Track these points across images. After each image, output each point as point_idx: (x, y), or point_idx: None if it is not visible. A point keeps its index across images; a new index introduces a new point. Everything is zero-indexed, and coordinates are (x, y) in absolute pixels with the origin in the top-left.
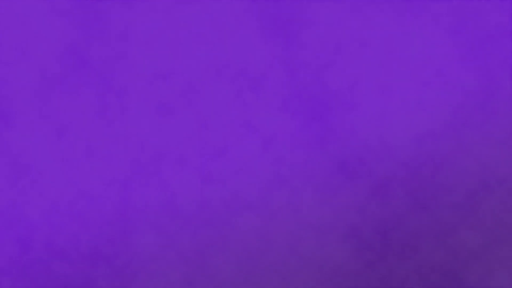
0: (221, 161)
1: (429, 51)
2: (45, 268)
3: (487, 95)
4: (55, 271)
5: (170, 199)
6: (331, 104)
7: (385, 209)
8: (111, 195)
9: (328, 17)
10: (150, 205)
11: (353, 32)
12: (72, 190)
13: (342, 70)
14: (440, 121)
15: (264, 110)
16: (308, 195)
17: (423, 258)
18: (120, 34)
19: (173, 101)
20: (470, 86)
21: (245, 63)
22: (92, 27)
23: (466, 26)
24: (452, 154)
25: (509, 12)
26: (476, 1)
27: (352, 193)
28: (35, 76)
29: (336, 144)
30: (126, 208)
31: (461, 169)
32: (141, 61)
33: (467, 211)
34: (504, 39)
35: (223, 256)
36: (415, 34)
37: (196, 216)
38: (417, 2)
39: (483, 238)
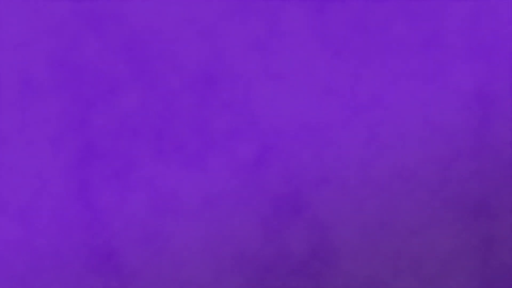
0: (224, 157)
1: (430, 49)
2: (42, 268)
3: (488, 95)
4: (48, 271)
5: (168, 198)
6: (332, 101)
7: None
8: (110, 194)
9: (326, 17)
10: (150, 205)
11: (351, 30)
12: (68, 189)
13: (341, 69)
14: (441, 122)
15: (265, 108)
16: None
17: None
18: (116, 30)
19: (172, 94)
20: (471, 86)
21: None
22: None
23: (470, 26)
24: (451, 156)
25: (510, 12)
26: (478, 1)
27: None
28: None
29: (339, 141)
30: (124, 208)
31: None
32: (136, 59)
33: (468, 210)
34: (505, 38)
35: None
36: (415, 34)
37: (196, 216)
38: (418, 1)
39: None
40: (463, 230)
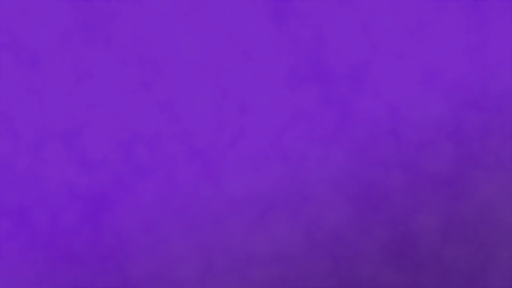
0: (230, 155)
1: (432, 48)
2: (44, 267)
3: (489, 93)
4: (54, 269)
5: (171, 197)
6: (337, 97)
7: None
8: (113, 193)
9: (330, 8)
10: (153, 203)
11: (354, 30)
12: (71, 188)
13: (344, 78)
14: (441, 115)
15: (273, 104)
16: (321, 186)
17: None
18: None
19: (174, 96)
20: (472, 84)
21: (249, 53)
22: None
23: (470, 23)
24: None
25: (510, 11)
26: (479, 0)
27: (360, 180)
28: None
29: (347, 132)
30: (127, 206)
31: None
32: (140, 55)
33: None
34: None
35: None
36: (417, 28)
37: (199, 215)
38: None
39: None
40: (463, 229)
